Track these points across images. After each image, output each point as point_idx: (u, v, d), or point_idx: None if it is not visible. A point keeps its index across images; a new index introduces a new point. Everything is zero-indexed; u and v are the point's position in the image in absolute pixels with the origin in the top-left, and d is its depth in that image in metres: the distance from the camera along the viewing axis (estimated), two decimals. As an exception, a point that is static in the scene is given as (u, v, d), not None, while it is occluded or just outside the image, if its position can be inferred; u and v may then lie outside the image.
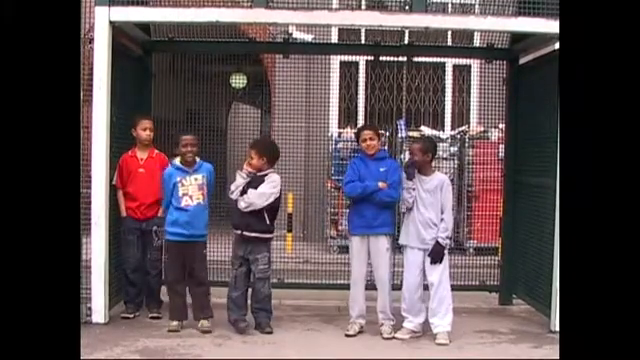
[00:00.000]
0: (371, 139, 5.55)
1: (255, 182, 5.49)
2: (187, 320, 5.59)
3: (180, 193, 5.50)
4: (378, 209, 5.46)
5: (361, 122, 10.34)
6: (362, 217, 5.48)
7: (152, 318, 5.80)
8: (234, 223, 5.57)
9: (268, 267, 5.55)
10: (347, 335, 5.48)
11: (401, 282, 5.85)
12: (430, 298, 5.45)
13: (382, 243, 5.50)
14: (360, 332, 5.53)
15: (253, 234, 5.47)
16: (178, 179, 5.52)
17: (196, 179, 5.54)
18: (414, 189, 5.40)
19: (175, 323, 5.50)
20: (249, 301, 5.62)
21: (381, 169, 5.51)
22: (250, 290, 5.60)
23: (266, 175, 5.52)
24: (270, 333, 5.44)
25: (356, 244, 5.56)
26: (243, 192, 5.46)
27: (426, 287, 5.51)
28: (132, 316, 5.81)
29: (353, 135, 8.95)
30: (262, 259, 5.49)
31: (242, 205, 5.43)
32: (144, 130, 5.87)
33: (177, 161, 5.59)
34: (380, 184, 5.41)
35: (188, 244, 5.52)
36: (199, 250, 5.59)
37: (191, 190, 5.52)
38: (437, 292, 5.38)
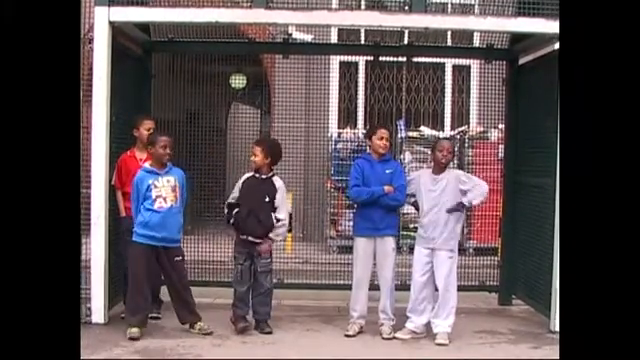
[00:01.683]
0: (387, 139, 5.54)
1: (257, 185, 5.48)
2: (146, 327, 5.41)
3: (153, 195, 5.32)
4: (385, 212, 5.47)
5: (361, 122, 10.36)
6: (369, 220, 5.47)
7: (151, 318, 5.78)
8: (241, 230, 5.47)
9: (270, 261, 5.54)
10: (347, 335, 5.47)
11: (402, 283, 5.88)
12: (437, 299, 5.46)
13: (388, 244, 5.51)
14: (360, 332, 5.53)
15: (259, 239, 5.48)
16: (150, 181, 5.34)
17: (168, 181, 5.38)
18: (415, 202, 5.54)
19: (135, 329, 5.23)
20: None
21: (387, 171, 5.50)
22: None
23: (269, 178, 5.51)
24: (270, 333, 5.44)
25: (362, 245, 5.54)
26: (231, 208, 5.52)
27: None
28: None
29: (361, 134, 9.04)
30: (264, 253, 5.49)
31: (280, 239, 5.65)
32: (147, 130, 5.83)
33: (148, 164, 5.43)
34: (386, 188, 5.41)
35: (160, 249, 5.34)
36: (173, 256, 5.40)
37: (164, 192, 5.34)
38: (444, 293, 5.39)
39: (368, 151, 5.69)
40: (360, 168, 5.53)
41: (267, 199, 5.46)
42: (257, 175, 5.53)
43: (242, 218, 5.45)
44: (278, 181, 5.57)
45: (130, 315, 5.35)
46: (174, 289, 5.49)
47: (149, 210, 5.30)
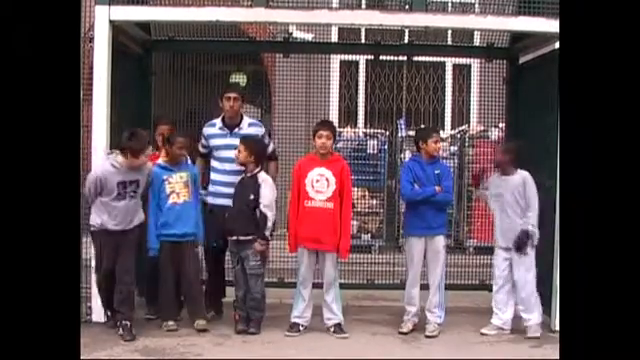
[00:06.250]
0: (440, 141, 5.66)
1: (244, 183, 5.46)
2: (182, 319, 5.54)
3: (167, 190, 5.44)
4: (437, 211, 5.62)
5: (361, 121, 10.35)
6: (423, 219, 5.59)
7: (148, 320, 5.75)
8: (229, 229, 5.45)
9: (260, 264, 5.43)
10: (401, 332, 5.55)
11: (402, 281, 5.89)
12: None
13: (440, 242, 5.63)
14: (413, 330, 5.58)
15: (248, 237, 5.40)
16: (165, 177, 5.45)
17: (182, 177, 5.49)
18: None
19: (171, 322, 5.44)
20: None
21: (436, 171, 5.64)
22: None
23: (255, 175, 5.46)
24: (254, 334, 5.38)
25: (414, 244, 5.64)
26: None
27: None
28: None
29: (361, 133, 9.04)
30: (252, 255, 5.39)
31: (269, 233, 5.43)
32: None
33: (161, 161, 5.53)
34: (437, 189, 5.56)
35: (180, 244, 5.45)
36: (189, 250, 5.50)
37: (177, 187, 5.46)
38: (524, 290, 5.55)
39: (417, 153, 5.81)
40: (411, 169, 5.66)
41: (252, 197, 5.39)
42: (243, 174, 5.51)
43: (233, 218, 5.45)
44: (262, 176, 5.48)
45: (162, 311, 5.55)
46: (183, 283, 5.50)
47: (165, 208, 5.43)
